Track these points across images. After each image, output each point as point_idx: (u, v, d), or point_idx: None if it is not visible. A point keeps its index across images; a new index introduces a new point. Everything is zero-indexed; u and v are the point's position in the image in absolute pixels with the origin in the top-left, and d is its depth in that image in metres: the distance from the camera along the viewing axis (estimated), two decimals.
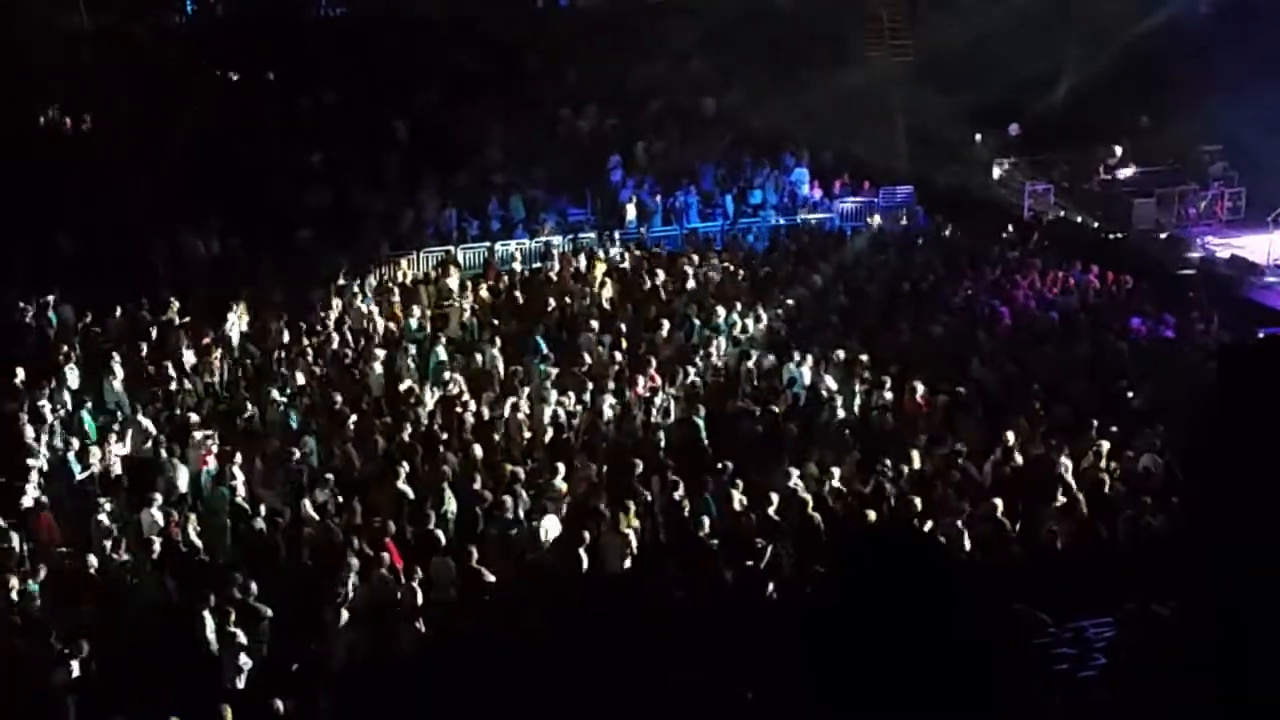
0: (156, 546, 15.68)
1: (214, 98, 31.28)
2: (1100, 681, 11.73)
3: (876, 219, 31.30)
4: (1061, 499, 16.87)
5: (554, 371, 21.30)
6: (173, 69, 30.82)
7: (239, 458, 18.06)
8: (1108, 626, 12.90)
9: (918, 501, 16.54)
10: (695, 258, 27.60)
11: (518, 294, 25.82)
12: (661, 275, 26.36)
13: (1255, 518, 2.86)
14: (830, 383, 20.74)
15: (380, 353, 22.07)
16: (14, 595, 14.61)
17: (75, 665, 13.73)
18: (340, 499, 17.11)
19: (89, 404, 20.36)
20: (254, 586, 14.95)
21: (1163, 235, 30.33)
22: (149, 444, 18.84)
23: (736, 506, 16.81)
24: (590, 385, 20.73)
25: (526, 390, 20.48)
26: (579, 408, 20.12)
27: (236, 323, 23.45)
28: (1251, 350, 7.97)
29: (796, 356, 21.44)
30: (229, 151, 29.77)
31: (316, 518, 16.56)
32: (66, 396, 20.49)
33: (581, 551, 15.81)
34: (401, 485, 17.42)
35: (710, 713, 12.39)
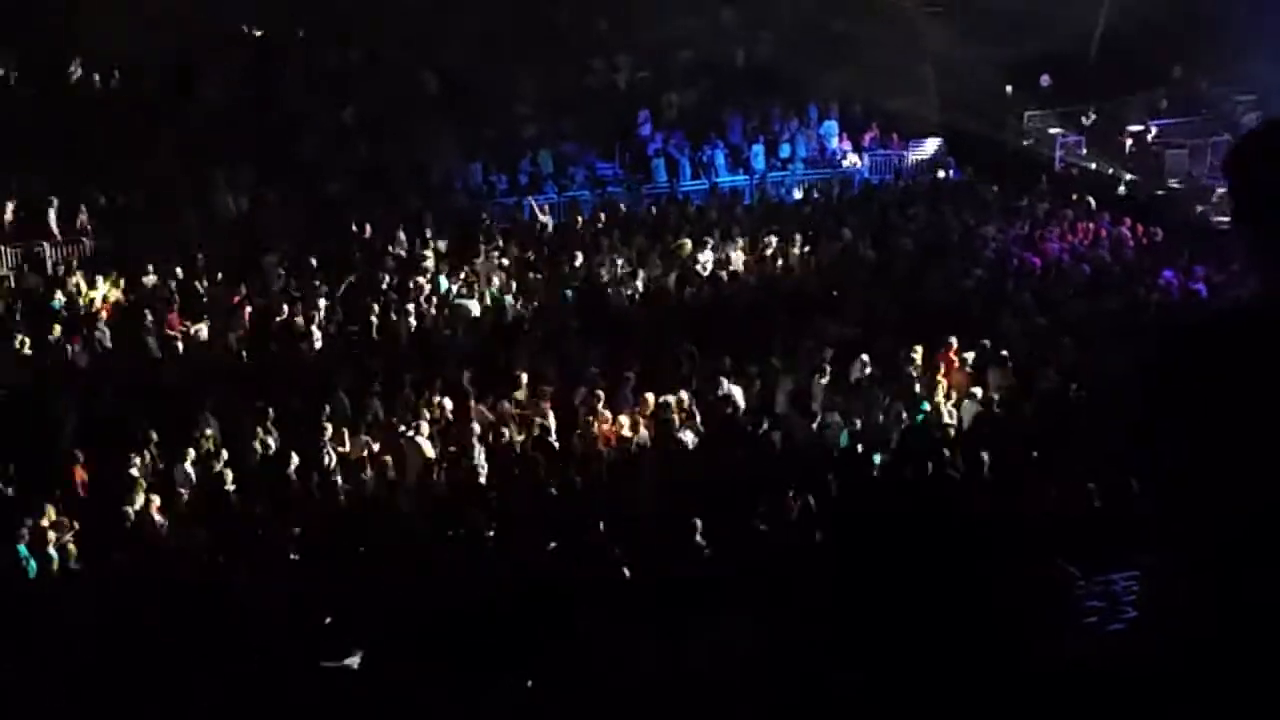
0: (186, 497, 15.81)
1: (241, 53, 31.32)
2: (1130, 634, 11.72)
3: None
4: None
5: None
6: (200, 24, 30.80)
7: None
8: (1136, 580, 12.87)
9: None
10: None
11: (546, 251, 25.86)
12: None
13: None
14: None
15: (410, 308, 22.15)
16: (51, 550, 14.73)
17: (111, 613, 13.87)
18: (369, 452, 17.23)
19: None
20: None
21: (1177, 185, 30.10)
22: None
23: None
24: None
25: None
26: None
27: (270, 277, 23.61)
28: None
29: None
30: (257, 107, 29.84)
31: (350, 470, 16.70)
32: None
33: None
34: (422, 441, 17.50)
35: (736, 664, 12.44)
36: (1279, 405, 2.65)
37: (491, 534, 15.41)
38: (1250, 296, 2.97)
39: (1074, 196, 29.38)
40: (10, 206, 25.69)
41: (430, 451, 17.31)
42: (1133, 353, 19.81)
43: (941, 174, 31.33)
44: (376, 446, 17.45)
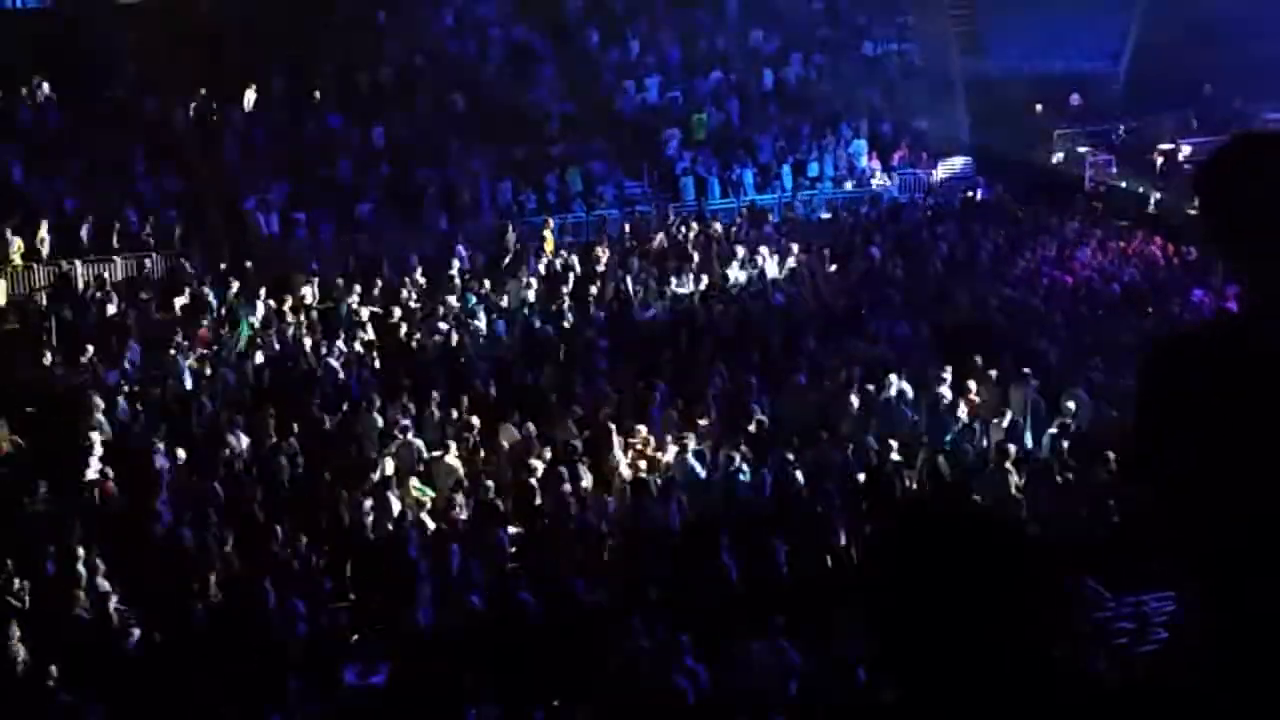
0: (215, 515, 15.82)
1: (273, 72, 31.45)
2: (1161, 657, 11.63)
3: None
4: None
5: None
6: (232, 43, 30.98)
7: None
8: (1170, 601, 12.75)
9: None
10: None
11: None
12: None
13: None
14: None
15: (442, 325, 22.21)
16: (80, 567, 14.75)
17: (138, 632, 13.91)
18: (399, 470, 17.25)
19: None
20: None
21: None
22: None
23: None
24: None
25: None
26: None
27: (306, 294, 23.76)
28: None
29: None
30: (290, 126, 30.00)
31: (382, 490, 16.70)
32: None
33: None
34: (452, 460, 17.48)
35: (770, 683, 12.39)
36: (1258, 415, 2.60)
37: (515, 550, 15.45)
38: (1238, 310, 2.90)
39: (1103, 215, 29.25)
40: (45, 225, 25.82)
41: (460, 471, 17.30)
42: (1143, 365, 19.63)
43: (971, 193, 31.21)
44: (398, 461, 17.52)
